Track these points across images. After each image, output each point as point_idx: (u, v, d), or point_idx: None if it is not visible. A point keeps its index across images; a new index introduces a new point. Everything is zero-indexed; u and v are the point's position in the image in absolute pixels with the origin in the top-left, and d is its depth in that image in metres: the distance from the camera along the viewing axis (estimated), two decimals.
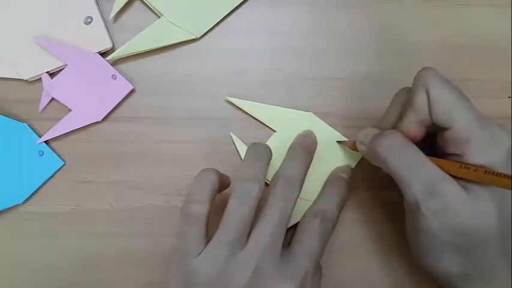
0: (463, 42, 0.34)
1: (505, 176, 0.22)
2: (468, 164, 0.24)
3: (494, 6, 0.35)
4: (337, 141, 0.33)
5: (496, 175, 0.22)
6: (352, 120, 0.33)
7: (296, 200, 0.27)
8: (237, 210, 0.26)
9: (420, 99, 0.25)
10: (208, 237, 0.26)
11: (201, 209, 0.26)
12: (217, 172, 0.27)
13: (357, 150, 0.29)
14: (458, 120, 0.24)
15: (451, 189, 0.24)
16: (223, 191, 0.28)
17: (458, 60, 0.34)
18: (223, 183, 0.28)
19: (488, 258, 0.25)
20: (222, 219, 0.26)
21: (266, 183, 0.30)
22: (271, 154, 0.30)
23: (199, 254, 0.26)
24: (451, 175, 0.24)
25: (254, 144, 0.29)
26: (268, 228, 0.26)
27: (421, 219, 0.25)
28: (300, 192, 0.28)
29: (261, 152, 0.28)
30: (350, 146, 0.31)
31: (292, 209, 0.27)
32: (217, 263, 0.25)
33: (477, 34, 0.35)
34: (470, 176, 0.24)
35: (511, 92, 0.34)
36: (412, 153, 0.25)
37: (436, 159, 0.25)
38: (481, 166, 0.23)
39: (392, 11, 0.34)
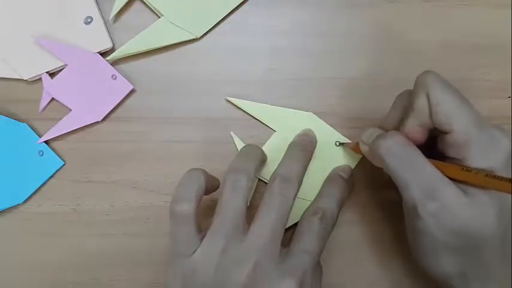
0: (463, 42, 0.34)
1: (506, 179, 0.22)
2: (469, 167, 0.24)
3: (494, 6, 0.35)
4: (340, 143, 0.33)
5: (497, 179, 0.22)
6: (352, 121, 0.33)
7: (294, 198, 0.27)
8: (228, 201, 0.26)
9: (421, 103, 0.25)
10: (201, 234, 0.26)
11: (187, 207, 0.26)
12: (204, 172, 0.27)
13: (359, 153, 0.29)
14: (458, 124, 0.24)
15: (449, 192, 0.24)
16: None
17: (459, 60, 0.34)
18: (212, 185, 0.28)
19: (487, 259, 0.25)
20: (215, 212, 0.26)
21: (265, 182, 0.30)
22: (265, 155, 0.30)
23: (195, 251, 0.26)
24: (451, 178, 0.24)
25: (247, 144, 0.30)
26: (267, 225, 0.26)
27: (419, 220, 0.25)
28: (298, 190, 0.28)
29: (252, 150, 0.29)
30: (352, 148, 0.31)
31: (291, 207, 0.27)
32: (214, 258, 0.25)
33: (477, 34, 0.35)
34: (471, 179, 0.23)
35: (511, 92, 0.34)
36: (411, 155, 0.25)
37: (437, 161, 0.25)
38: (482, 170, 0.23)
39: (392, 11, 0.35)
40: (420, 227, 0.25)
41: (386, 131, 0.27)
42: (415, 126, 0.26)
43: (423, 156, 0.25)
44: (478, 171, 0.23)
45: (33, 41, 0.32)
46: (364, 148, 0.28)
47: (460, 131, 0.24)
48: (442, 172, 0.24)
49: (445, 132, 0.25)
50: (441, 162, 0.25)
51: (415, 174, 0.25)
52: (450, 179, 0.24)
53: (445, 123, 0.24)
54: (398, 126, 0.27)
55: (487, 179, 0.23)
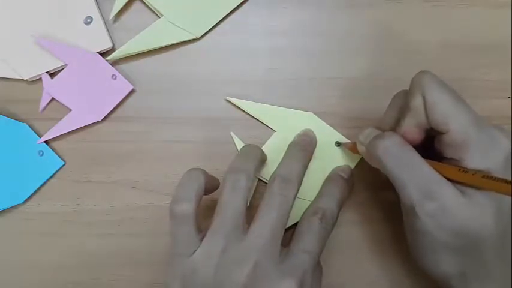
0: (463, 42, 0.34)
1: (504, 181, 0.22)
2: (466, 168, 0.24)
3: (494, 6, 0.35)
4: (338, 143, 0.33)
5: (495, 180, 0.22)
6: (352, 121, 0.33)
7: (294, 198, 0.27)
8: (228, 200, 0.26)
9: (417, 103, 0.25)
10: (201, 234, 0.27)
11: (187, 207, 0.26)
12: (204, 172, 0.27)
13: (356, 153, 0.29)
14: (455, 124, 0.24)
15: (447, 192, 0.24)
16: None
17: (459, 60, 0.34)
18: (212, 185, 0.28)
19: (486, 259, 0.25)
20: (215, 212, 0.26)
21: (265, 182, 0.31)
22: (265, 155, 0.30)
23: (195, 251, 0.26)
24: (449, 179, 0.24)
25: (246, 144, 0.30)
26: (267, 225, 0.26)
27: (417, 221, 0.25)
28: (298, 190, 0.28)
29: (251, 150, 0.29)
30: (350, 148, 0.31)
31: (291, 207, 0.27)
32: (214, 258, 0.25)
33: (477, 34, 0.35)
34: (469, 180, 0.23)
35: (511, 92, 0.34)
36: (409, 156, 0.25)
37: (435, 162, 0.25)
38: (479, 171, 0.23)
39: (392, 11, 0.34)
40: (419, 227, 0.25)
41: (384, 131, 0.27)
42: (412, 126, 0.26)
43: (420, 157, 0.25)
44: (476, 172, 0.23)
45: (33, 41, 0.32)
46: (361, 148, 0.28)
47: (457, 131, 0.24)
48: (440, 173, 0.24)
49: (442, 133, 0.25)
50: (438, 163, 0.25)
51: (412, 175, 0.25)
52: (448, 179, 0.24)
53: (441, 123, 0.24)
54: (396, 127, 0.27)
55: (485, 180, 0.22)
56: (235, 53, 0.34)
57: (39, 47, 0.32)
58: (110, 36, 0.33)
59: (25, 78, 0.33)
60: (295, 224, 0.30)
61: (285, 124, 0.33)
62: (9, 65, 0.32)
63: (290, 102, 0.33)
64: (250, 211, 0.27)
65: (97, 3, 0.33)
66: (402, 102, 0.28)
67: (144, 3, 0.33)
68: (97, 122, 0.33)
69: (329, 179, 0.32)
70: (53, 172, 0.33)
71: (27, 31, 0.32)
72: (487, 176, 0.23)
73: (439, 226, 0.24)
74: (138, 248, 0.33)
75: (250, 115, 0.33)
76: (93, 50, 0.33)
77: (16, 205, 0.32)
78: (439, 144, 0.26)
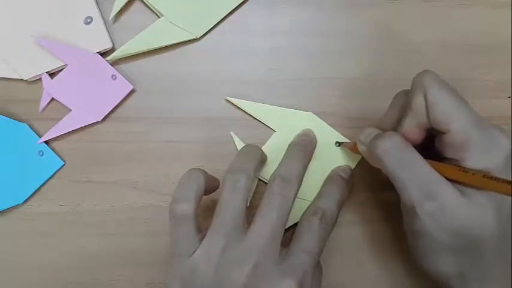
0: (463, 42, 0.34)
1: (504, 181, 0.22)
2: (467, 168, 0.24)
3: (494, 6, 0.35)
4: (338, 143, 0.33)
5: (495, 180, 0.22)
6: (352, 121, 0.33)
7: (294, 198, 0.27)
8: (228, 200, 0.26)
9: (418, 103, 0.25)
10: (201, 234, 0.27)
11: (186, 207, 0.26)
12: (204, 172, 0.27)
13: (357, 153, 0.29)
14: (455, 124, 0.24)
15: (447, 192, 0.24)
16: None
17: (459, 60, 0.34)
18: (212, 185, 0.28)
19: (486, 259, 0.25)
20: (215, 212, 0.27)
21: (265, 182, 0.30)
22: (265, 155, 0.30)
23: (195, 251, 0.26)
24: (449, 179, 0.24)
25: (247, 144, 0.30)
26: (267, 225, 0.26)
27: (417, 221, 0.25)
28: (298, 190, 0.28)
29: (251, 150, 0.29)
30: (351, 148, 0.31)
31: (291, 207, 0.27)
32: (214, 258, 0.25)
33: (477, 34, 0.35)
34: (469, 180, 0.23)
35: (511, 92, 0.34)
36: (409, 156, 0.25)
37: (435, 162, 0.25)
38: (479, 171, 0.23)
39: (392, 11, 0.35)
40: (418, 227, 0.25)
41: (385, 131, 0.27)
42: (413, 126, 0.26)
43: (421, 157, 0.25)
44: (476, 172, 0.23)
45: (33, 41, 0.32)
46: (362, 148, 0.28)
47: (458, 131, 0.24)
48: (440, 173, 0.24)
49: (443, 132, 0.25)
50: (439, 163, 0.25)
51: (413, 175, 0.25)
52: (448, 179, 0.24)
53: (442, 123, 0.24)
54: (396, 126, 0.27)
55: (485, 180, 0.22)
56: (235, 53, 0.34)
57: (39, 47, 0.32)
58: (110, 36, 0.33)
59: (25, 78, 0.32)
60: (295, 224, 0.30)
61: (285, 124, 0.33)
62: (9, 65, 0.32)
63: (290, 102, 0.33)
64: (250, 211, 0.27)
65: (97, 3, 0.33)
66: (403, 102, 0.28)
67: (144, 3, 0.33)
68: (97, 122, 0.33)
69: (329, 179, 0.32)
70: (53, 172, 0.33)
71: (27, 31, 0.32)
72: (487, 175, 0.23)
73: (439, 226, 0.24)
74: (138, 248, 0.33)
75: (250, 115, 0.33)
76: (93, 50, 0.33)
77: (16, 205, 0.32)
78: (439, 144, 0.26)
